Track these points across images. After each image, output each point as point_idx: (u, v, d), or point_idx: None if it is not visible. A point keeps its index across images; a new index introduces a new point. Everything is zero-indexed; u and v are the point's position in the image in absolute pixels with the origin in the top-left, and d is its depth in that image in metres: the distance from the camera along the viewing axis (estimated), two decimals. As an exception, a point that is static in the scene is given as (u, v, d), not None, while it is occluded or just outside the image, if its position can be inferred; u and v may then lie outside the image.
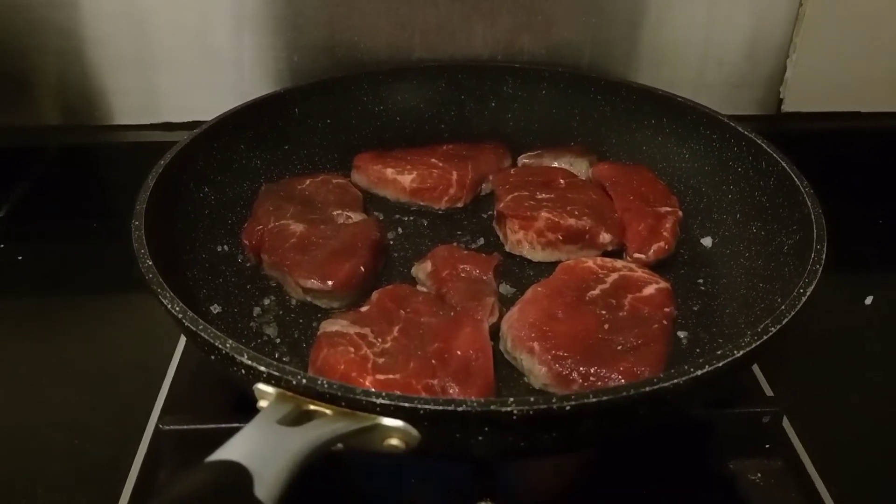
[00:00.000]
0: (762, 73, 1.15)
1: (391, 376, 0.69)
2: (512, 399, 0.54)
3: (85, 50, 1.08)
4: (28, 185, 1.15)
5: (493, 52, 1.13)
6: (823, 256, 0.72)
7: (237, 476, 0.47)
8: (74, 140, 1.13)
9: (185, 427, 0.71)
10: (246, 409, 0.58)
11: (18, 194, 1.14)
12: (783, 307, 0.65)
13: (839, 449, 0.77)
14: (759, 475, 0.74)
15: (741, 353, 0.60)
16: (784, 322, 0.63)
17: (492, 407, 0.54)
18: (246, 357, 0.58)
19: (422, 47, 1.12)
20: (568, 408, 0.55)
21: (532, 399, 0.55)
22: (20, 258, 1.05)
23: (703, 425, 0.75)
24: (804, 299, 0.66)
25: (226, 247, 0.91)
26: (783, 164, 0.87)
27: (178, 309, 0.64)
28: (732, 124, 0.95)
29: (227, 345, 0.59)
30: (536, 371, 0.74)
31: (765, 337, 0.61)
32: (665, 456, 0.74)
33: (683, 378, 0.57)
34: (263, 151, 1.01)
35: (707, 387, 0.60)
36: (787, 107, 1.18)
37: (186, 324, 0.63)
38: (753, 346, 0.60)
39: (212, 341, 0.60)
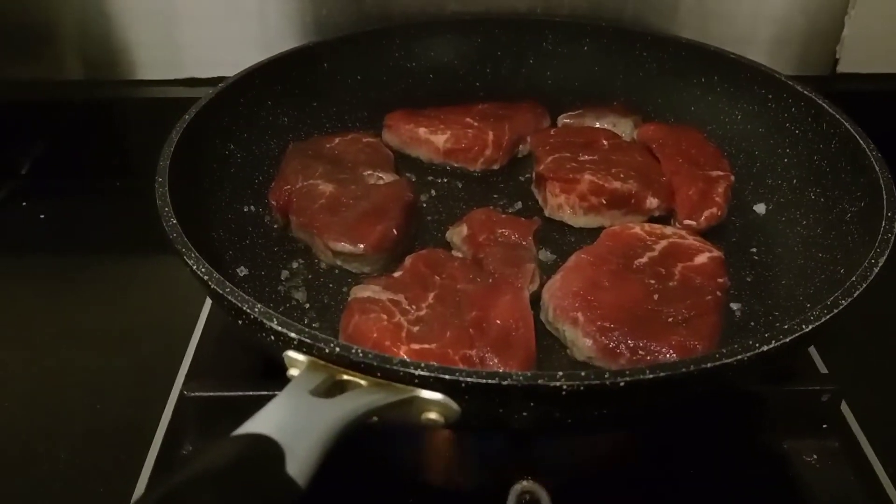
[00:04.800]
0: (817, 30, 1.09)
1: (426, 346, 0.66)
2: (561, 373, 0.51)
3: (107, 2, 1.04)
4: (49, 141, 1.12)
5: (531, 5, 1.08)
6: (895, 225, 0.67)
7: (267, 451, 0.44)
8: (97, 95, 1.10)
9: (211, 394, 0.69)
10: (275, 375, 0.55)
11: (40, 151, 1.12)
12: (854, 279, 0.60)
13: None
14: (814, 456, 0.71)
15: (810, 327, 0.56)
16: (856, 295, 0.59)
17: (539, 381, 0.51)
18: (276, 322, 0.55)
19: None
20: (622, 384, 0.51)
21: (583, 374, 0.51)
22: (42, 216, 1.03)
23: (756, 402, 0.71)
24: (876, 270, 0.62)
25: (252, 207, 0.88)
26: (847, 125, 0.81)
27: (203, 270, 0.61)
28: (790, 83, 0.90)
29: (256, 309, 0.56)
30: (580, 343, 0.70)
31: (835, 310, 0.57)
32: (715, 432, 0.71)
33: (748, 354, 0.53)
34: (291, 108, 0.97)
35: (770, 363, 0.57)
36: (843, 67, 1.11)
37: (213, 286, 0.60)
38: (823, 319, 0.56)
39: (239, 305, 0.57)
